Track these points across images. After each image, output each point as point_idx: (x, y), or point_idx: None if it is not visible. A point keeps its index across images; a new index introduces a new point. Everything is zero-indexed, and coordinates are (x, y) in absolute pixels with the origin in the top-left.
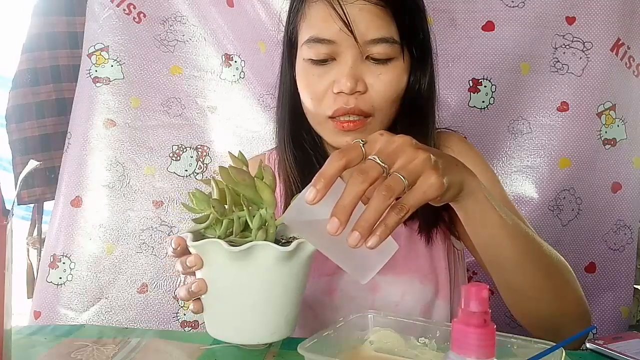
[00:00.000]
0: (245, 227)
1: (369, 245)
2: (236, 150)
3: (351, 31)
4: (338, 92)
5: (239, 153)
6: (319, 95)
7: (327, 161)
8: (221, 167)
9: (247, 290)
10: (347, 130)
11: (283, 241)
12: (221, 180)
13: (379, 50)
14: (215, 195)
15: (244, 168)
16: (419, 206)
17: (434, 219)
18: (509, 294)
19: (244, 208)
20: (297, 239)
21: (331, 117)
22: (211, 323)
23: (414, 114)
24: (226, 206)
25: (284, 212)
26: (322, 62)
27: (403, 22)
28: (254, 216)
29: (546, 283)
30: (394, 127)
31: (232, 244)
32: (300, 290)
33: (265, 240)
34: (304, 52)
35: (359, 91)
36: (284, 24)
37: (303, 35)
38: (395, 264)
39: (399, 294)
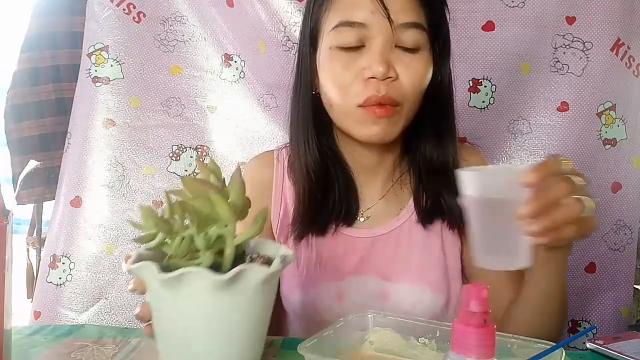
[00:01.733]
0: None
1: (538, 241)
2: (237, 151)
3: (386, 10)
4: (369, 78)
5: (211, 161)
6: (346, 85)
7: (550, 159)
8: (183, 178)
9: (185, 321)
10: (379, 116)
11: (254, 258)
12: (177, 193)
13: (409, 36)
14: (167, 211)
15: (212, 178)
16: (568, 240)
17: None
18: (520, 325)
19: (193, 226)
20: (273, 258)
21: (361, 106)
22: (161, 352)
23: (436, 109)
24: (186, 222)
25: (283, 220)
26: (350, 48)
27: (432, 12)
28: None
29: (557, 317)
30: (416, 121)
31: (175, 268)
32: (253, 325)
33: (222, 261)
34: (331, 40)
35: (391, 77)
36: (302, 21)
37: (330, 24)
38: (409, 270)
39: (410, 303)
